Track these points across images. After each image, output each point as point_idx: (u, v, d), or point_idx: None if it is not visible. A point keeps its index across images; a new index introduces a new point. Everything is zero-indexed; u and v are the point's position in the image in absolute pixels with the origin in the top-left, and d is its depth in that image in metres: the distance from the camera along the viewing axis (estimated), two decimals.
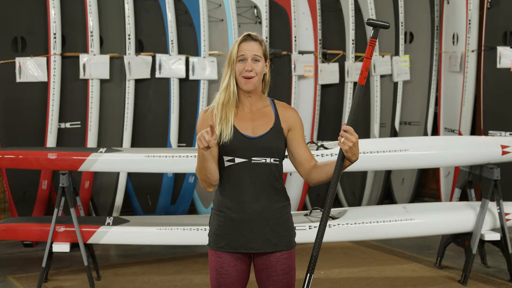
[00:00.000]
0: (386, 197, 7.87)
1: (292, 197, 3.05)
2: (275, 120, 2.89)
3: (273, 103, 2.94)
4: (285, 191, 2.93)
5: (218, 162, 2.86)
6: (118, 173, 6.36)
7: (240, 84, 2.86)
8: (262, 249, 2.86)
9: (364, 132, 7.34)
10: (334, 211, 5.36)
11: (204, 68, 6.49)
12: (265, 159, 2.84)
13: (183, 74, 6.44)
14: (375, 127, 7.28)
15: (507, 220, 5.12)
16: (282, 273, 2.88)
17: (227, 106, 2.84)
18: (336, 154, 4.93)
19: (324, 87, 7.16)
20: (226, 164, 2.84)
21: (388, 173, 7.56)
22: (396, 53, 7.38)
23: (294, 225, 2.98)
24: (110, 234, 4.97)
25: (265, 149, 2.84)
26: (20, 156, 4.99)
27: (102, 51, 6.22)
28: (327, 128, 7.24)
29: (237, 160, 2.83)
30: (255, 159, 2.83)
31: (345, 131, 2.74)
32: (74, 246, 4.96)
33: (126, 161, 5.03)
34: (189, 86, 6.58)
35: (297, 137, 2.91)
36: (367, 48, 2.82)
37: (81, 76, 6.10)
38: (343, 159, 2.81)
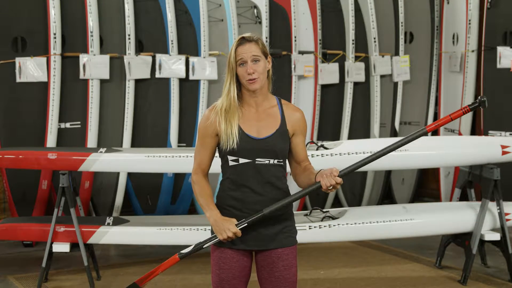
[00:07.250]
0: (386, 197, 7.86)
1: None
2: (281, 122, 2.88)
3: (280, 103, 2.94)
4: (288, 190, 2.94)
5: (222, 159, 2.89)
6: (118, 173, 6.36)
7: (245, 86, 2.86)
8: (264, 246, 2.88)
9: (364, 132, 7.34)
10: (334, 211, 5.36)
11: (204, 68, 6.48)
12: (269, 160, 2.85)
13: (183, 74, 6.44)
14: (375, 127, 7.28)
15: (507, 220, 5.11)
16: (284, 269, 2.89)
17: (229, 112, 2.84)
18: (335, 154, 4.96)
19: (324, 87, 7.15)
20: (231, 163, 2.86)
21: (388, 173, 7.55)
22: (396, 53, 7.37)
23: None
24: (110, 234, 4.97)
25: (269, 151, 2.85)
26: (20, 156, 4.99)
27: (102, 51, 6.22)
28: (327, 128, 7.23)
29: (241, 160, 2.84)
30: (259, 160, 2.84)
31: (337, 183, 2.74)
32: (74, 246, 4.96)
33: (126, 161, 5.03)
34: (189, 86, 6.57)
35: (299, 141, 2.92)
36: (457, 112, 2.86)
37: (81, 76, 6.10)
38: (319, 187, 2.82)
